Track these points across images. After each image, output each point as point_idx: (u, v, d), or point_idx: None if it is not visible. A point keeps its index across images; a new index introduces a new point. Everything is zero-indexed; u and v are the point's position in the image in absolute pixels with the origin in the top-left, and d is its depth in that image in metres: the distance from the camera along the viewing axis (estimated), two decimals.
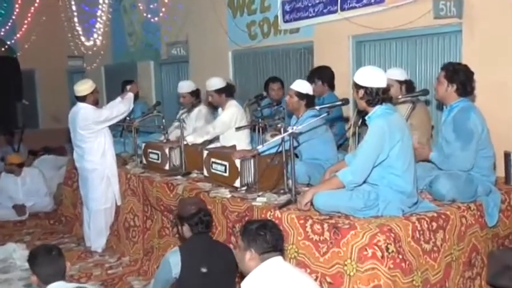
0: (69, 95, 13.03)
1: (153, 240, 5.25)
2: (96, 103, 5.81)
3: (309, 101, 4.65)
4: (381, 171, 3.49)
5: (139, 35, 10.27)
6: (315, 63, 6.60)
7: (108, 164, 5.78)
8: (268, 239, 2.87)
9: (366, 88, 3.46)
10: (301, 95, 4.63)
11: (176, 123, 5.83)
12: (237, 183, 4.42)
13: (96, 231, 5.91)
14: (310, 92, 4.68)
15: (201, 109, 6.18)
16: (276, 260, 2.88)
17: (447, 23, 5.19)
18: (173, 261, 3.47)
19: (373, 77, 3.48)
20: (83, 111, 5.63)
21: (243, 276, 3.92)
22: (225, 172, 4.56)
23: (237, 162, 4.39)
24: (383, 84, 3.48)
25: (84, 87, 5.70)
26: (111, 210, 5.89)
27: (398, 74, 4.62)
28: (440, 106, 5.18)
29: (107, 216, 5.89)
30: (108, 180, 5.77)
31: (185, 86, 6.28)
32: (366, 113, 3.61)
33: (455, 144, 3.87)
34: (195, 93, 6.26)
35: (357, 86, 3.52)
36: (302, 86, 4.66)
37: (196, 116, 6.14)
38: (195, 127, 6.03)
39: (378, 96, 3.45)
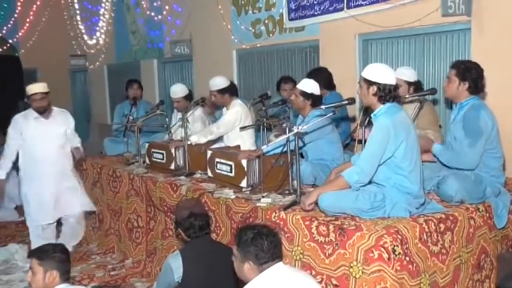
0: (71, 94, 13.06)
1: (157, 241, 5.21)
2: (39, 112, 5.46)
3: (315, 100, 4.59)
4: (387, 171, 3.45)
5: (142, 33, 10.24)
6: (320, 62, 6.56)
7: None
8: (266, 248, 2.74)
9: (378, 84, 3.41)
10: (306, 95, 4.57)
11: (179, 123, 5.77)
12: (243, 184, 4.37)
13: None
14: (316, 92, 4.62)
15: (195, 112, 6.07)
16: (276, 268, 2.77)
17: (456, 20, 5.14)
18: (175, 265, 3.44)
19: (385, 73, 3.45)
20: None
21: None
22: (231, 172, 4.51)
23: (244, 162, 4.34)
24: (394, 82, 3.46)
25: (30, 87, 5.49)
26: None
27: (409, 74, 4.55)
28: (449, 105, 5.12)
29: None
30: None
31: (179, 91, 6.13)
32: (372, 112, 3.56)
33: (463, 141, 3.81)
34: (189, 97, 6.18)
35: (368, 82, 3.46)
36: (307, 85, 4.61)
37: (192, 120, 6.05)
38: (193, 131, 5.96)
39: (391, 93, 3.42)
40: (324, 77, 5.62)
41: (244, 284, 2.81)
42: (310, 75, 5.67)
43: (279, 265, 2.79)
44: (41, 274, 3.10)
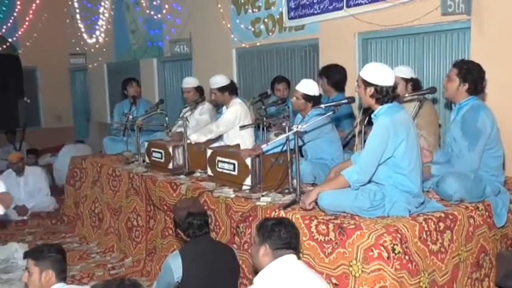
0: (70, 93, 13.04)
1: (156, 240, 5.20)
2: None
3: (316, 102, 4.57)
4: (387, 170, 3.45)
5: (142, 32, 10.24)
6: (320, 61, 6.56)
7: None
8: (283, 235, 2.90)
9: (375, 86, 3.40)
10: (307, 97, 4.55)
11: (179, 122, 5.78)
12: (247, 182, 4.36)
13: None
14: (317, 93, 4.60)
15: (204, 105, 6.16)
16: (289, 258, 2.90)
17: (455, 19, 5.14)
18: (174, 266, 3.44)
19: (383, 74, 3.42)
20: None
21: (246, 277, 3.89)
22: (234, 171, 4.50)
23: (248, 160, 4.34)
24: (392, 83, 3.43)
25: None
26: None
27: (405, 71, 4.54)
28: (449, 105, 5.11)
29: None
30: None
31: (190, 81, 6.30)
32: (372, 112, 3.55)
33: (462, 143, 3.82)
34: (199, 90, 6.23)
35: (365, 83, 3.44)
36: (309, 87, 4.57)
37: (200, 112, 6.11)
38: (198, 119, 5.99)
39: (388, 95, 3.40)
40: (338, 76, 5.62)
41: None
42: (327, 69, 5.66)
43: (292, 257, 2.91)
44: (37, 274, 3.11)
